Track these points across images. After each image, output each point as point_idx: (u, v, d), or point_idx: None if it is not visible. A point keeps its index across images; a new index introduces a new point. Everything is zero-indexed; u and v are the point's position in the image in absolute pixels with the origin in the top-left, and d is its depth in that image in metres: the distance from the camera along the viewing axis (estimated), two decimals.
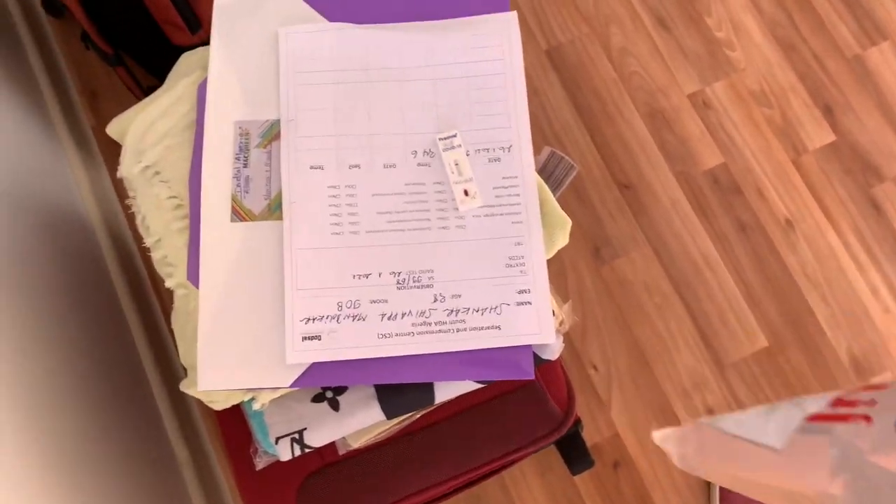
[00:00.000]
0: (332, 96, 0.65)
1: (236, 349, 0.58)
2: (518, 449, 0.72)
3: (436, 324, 0.60)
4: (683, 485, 1.08)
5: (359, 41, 0.66)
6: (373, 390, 0.61)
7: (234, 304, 0.59)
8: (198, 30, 0.94)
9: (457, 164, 0.63)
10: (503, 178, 0.64)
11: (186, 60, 0.69)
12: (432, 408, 0.65)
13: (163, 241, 0.63)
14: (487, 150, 0.64)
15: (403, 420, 0.65)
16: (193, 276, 0.61)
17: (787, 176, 1.22)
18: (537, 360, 0.62)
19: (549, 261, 0.63)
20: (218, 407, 0.60)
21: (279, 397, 0.61)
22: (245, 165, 0.63)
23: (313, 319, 0.59)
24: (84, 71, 1.19)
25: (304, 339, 0.58)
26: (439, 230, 0.62)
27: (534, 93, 1.24)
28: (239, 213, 0.62)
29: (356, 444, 0.64)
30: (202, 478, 0.98)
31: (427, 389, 0.62)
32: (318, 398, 0.61)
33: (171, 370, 1.04)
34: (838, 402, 0.47)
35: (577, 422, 0.79)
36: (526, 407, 0.72)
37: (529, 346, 0.61)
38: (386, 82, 0.65)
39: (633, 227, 1.19)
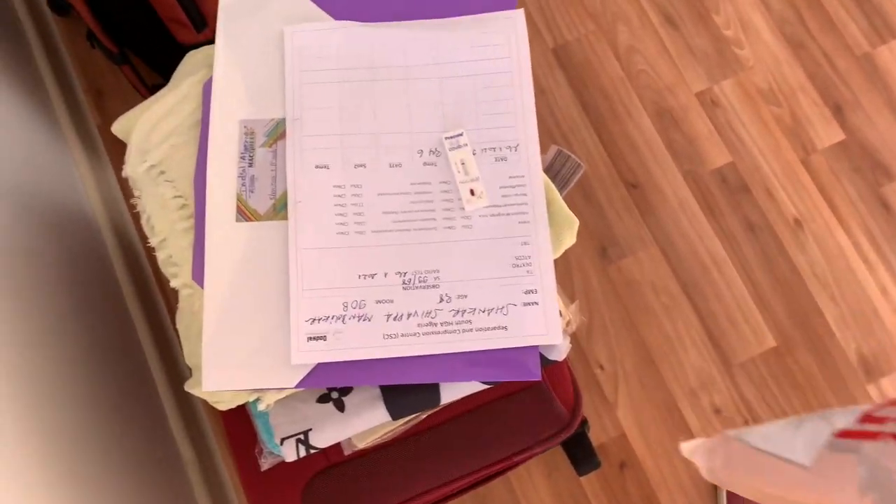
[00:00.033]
0: (338, 95, 0.64)
1: (241, 350, 0.58)
2: (524, 450, 0.71)
3: (442, 324, 0.59)
4: (690, 485, 1.07)
5: (364, 40, 0.66)
6: (378, 391, 0.61)
7: (239, 305, 0.59)
8: (203, 28, 0.93)
9: (463, 164, 0.63)
10: (510, 177, 0.63)
11: (191, 59, 0.68)
12: (438, 408, 0.65)
13: (168, 240, 0.63)
14: (494, 149, 0.64)
15: (409, 421, 0.65)
16: (198, 276, 0.60)
17: (795, 175, 1.21)
18: (544, 360, 0.62)
19: (555, 260, 0.62)
20: (223, 407, 0.60)
21: (284, 398, 0.61)
22: (250, 165, 0.63)
23: (319, 320, 0.58)
24: (90, 69, 1.19)
25: (310, 339, 0.58)
26: (445, 230, 0.61)
27: (540, 91, 1.24)
28: (244, 213, 0.61)
29: (361, 445, 0.64)
30: (207, 477, 0.98)
31: (433, 390, 0.61)
32: (323, 399, 0.61)
33: (177, 369, 1.04)
34: (866, 418, 0.46)
35: (584, 422, 0.79)
36: (532, 407, 0.72)
37: (536, 347, 0.60)
38: (392, 81, 0.65)
39: (641, 226, 1.18)
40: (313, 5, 0.67)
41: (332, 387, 0.61)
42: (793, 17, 1.29)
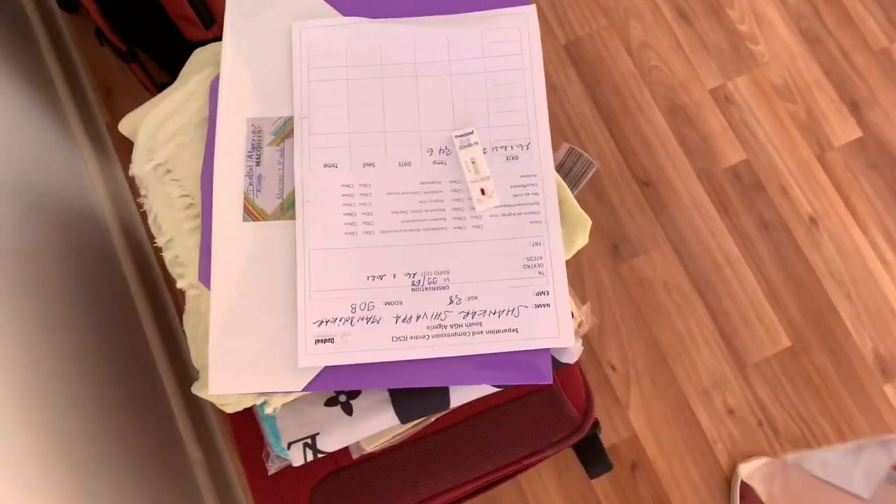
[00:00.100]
0: (347, 93, 0.63)
1: (248, 352, 0.57)
2: (534, 453, 0.70)
3: (451, 326, 0.58)
4: (702, 486, 1.06)
5: (374, 36, 0.65)
6: (387, 394, 0.60)
7: (246, 306, 0.58)
8: (212, 25, 0.93)
9: (473, 162, 0.62)
10: (521, 176, 0.62)
11: (199, 56, 0.68)
12: (447, 411, 0.64)
13: (174, 240, 0.62)
14: (505, 147, 0.62)
15: (418, 424, 0.64)
16: (205, 276, 0.59)
17: (811, 172, 1.20)
18: (556, 363, 0.61)
19: (566, 260, 0.61)
20: (230, 410, 0.59)
21: (292, 401, 0.60)
22: (257, 163, 0.62)
23: (326, 322, 0.57)
24: (98, 67, 1.19)
25: (317, 341, 0.57)
26: (455, 230, 0.60)
27: (552, 88, 1.22)
28: (251, 213, 0.61)
29: (370, 448, 0.63)
30: (215, 478, 0.97)
31: (442, 393, 0.60)
32: (331, 402, 0.60)
33: (185, 369, 1.04)
34: None
35: (595, 424, 0.78)
36: (543, 410, 0.71)
37: (548, 350, 0.59)
38: (401, 78, 0.64)
39: (653, 224, 1.16)
40: (322, 1, 0.66)
41: (339, 390, 0.60)
42: (809, 12, 1.27)
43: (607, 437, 1.07)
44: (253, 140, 0.62)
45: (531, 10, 0.66)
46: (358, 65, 0.64)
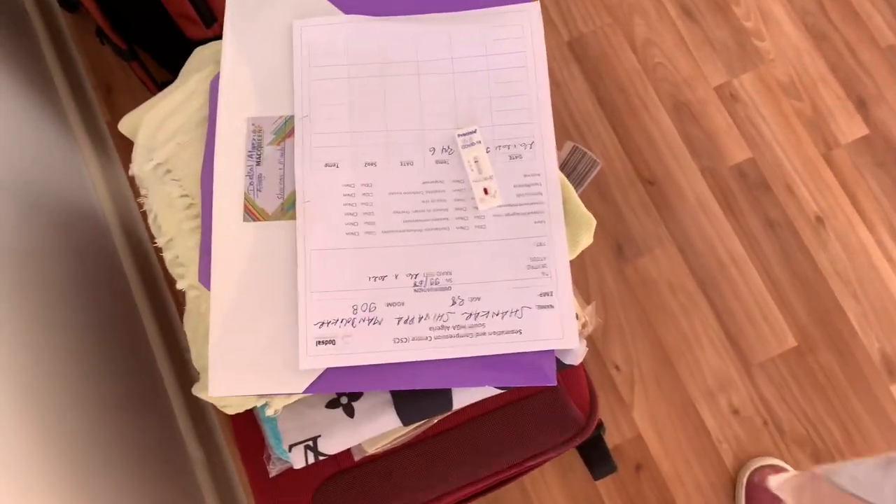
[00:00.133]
0: (348, 91, 0.63)
1: (248, 354, 0.57)
2: (538, 454, 0.70)
3: (454, 328, 0.57)
4: (707, 487, 1.05)
5: (375, 34, 0.64)
6: (389, 396, 0.59)
7: (246, 307, 0.58)
8: (213, 23, 0.92)
9: (476, 162, 0.61)
10: (524, 175, 0.61)
11: (199, 55, 0.67)
12: (450, 413, 0.63)
13: (174, 240, 0.62)
14: (508, 146, 0.62)
15: (420, 426, 0.63)
16: (205, 277, 0.59)
17: (817, 171, 1.19)
18: (560, 364, 0.60)
19: (570, 260, 0.60)
20: (231, 411, 0.59)
21: (293, 403, 0.59)
22: (258, 163, 0.61)
23: (327, 323, 0.57)
24: (99, 66, 1.18)
25: (318, 343, 0.56)
26: (458, 230, 0.60)
27: (555, 86, 1.21)
28: (251, 213, 0.60)
29: (372, 450, 0.62)
30: (216, 478, 0.97)
31: (445, 395, 0.60)
32: (332, 404, 0.60)
33: (186, 368, 1.04)
34: None
35: (600, 425, 0.77)
36: (546, 411, 0.70)
37: (552, 351, 0.58)
38: (403, 76, 0.63)
39: (657, 223, 1.16)
40: None
41: (341, 392, 0.59)
42: (815, 8, 1.26)
43: (611, 438, 1.07)
44: (253, 139, 0.62)
45: (534, 6, 0.65)
46: (359, 63, 0.63)
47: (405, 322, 0.57)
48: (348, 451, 0.65)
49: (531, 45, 0.64)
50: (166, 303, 1.08)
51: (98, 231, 0.99)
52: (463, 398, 0.61)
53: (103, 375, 0.81)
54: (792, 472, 0.56)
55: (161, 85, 1.07)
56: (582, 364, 0.73)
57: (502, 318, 0.58)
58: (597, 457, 0.81)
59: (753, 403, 1.09)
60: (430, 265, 0.59)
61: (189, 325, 0.61)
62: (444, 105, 0.62)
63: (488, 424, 0.69)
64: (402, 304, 0.58)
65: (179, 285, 0.61)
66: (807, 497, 0.53)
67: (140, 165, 0.63)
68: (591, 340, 1.10)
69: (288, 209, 0.60)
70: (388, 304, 0.58)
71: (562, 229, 0.60)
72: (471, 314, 0.58)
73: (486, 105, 0.63)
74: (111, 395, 0.81)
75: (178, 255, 0.61)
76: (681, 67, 1.23)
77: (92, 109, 1.15)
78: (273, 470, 0.62)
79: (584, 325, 0.62)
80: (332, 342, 0.56)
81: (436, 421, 0.65)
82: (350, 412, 0.59)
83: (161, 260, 1.10)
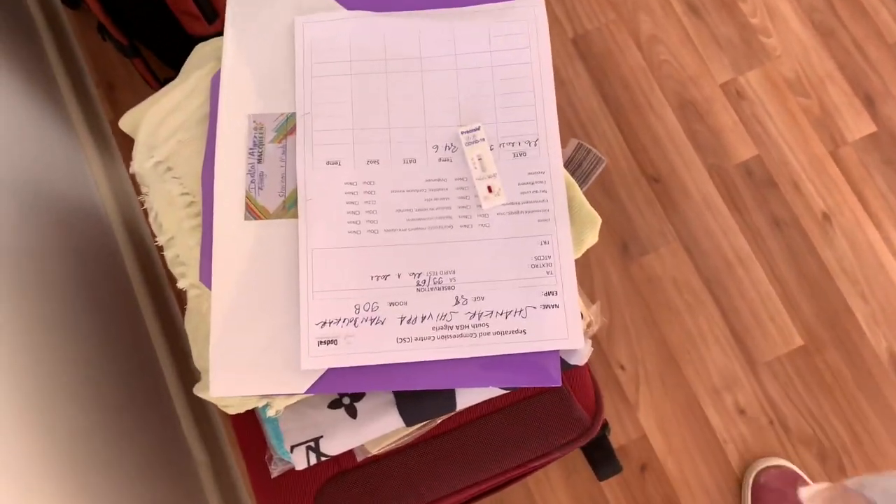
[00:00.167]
0: (350, 88, 0.62)
1: (249, 354, 0.56)
2: (542, 455, 0.69)
3: (457, 328, 0.57)
4: (713, 487, 1.04)
5: (378, 30, 0.63)
6: (391, 396, 0.59)
7: (247, 307, 0.57)
8: (215, 20, 0.92)
9: (480, 159, 0.60)
10: (529, 173, 0.60)
11: (200, 51, 0.66)
12: (453, 414, 0.63)
13: (175, 239, 0.61)
14: (513, 143, 0.61)
15: (423, 426, 0.62)
16: (206, 276, 0.58)
17: (824, 168, 1.17)
18: (564, 365, 0.59)
19: (575, 259, 0.60)
20: (232, 411, 0.58)
21: (294, 403, 0.59)
22: (259, 161, 0.61)
23: (329, 323, 0.56)
24: (101, 62, 1.18)
25: (320, 343, 0.56)
26: (461, 229, 0.59)
27: (559, 82, 1.20)
28: (253, 211, 0.59)
29: (375, 451, 0.61)
30: (220, 479, 0.97)
31: (448, 395, 0.59)
32: (334, 404, 0.59)
33: (189, 368, 1.03)
34: None
35: (605, 425, 0.76)
36: (551, 412, 0.69)
37: (556, 352, 0.57)
38: (406, 73, 0.62)
39: (663, 222, 1.15)
40: None
41: (343, 392, 0.59)
42: (822, 4, 1.25)
43: (616, 438, 1.06)
44: (254, 137, 0.61)
45: (539, 2, 0.64)
46: (361, 59, 0.62)
47: (408, 322, 0.57)
48: (351, 451, 0.64)
49: (536, 40, 0.63)
50: (169, 302, 1.07)
51: (100, 229, 0.99)
52: (466, 399, 0.60)
53: (105, 375, 0.80)
54: (823, 484, 0.56)
55: (163, 82, 1.07)
56: (587, 364, 0.72)
57: (506, 317, 0.57)
58: (602, 457, 0.80)
59: (759, 403, 1.08)
60: (433, 264, 0.58)
61: (190, 325, 0.60)
62: (447, 102, 0.62)
63: (492, 425, 0.69)
64: (405, 303, 0.57)
65: (180, 284, 0.61)
66: None
67: (140, 163, 0.63)
68: (595, 339, 1.10)
69: (289, 207, 0.59)
70: (391, 304, 0.57)
71: (567, 228, 0.59)
72: (474, 314, 0.57)
73: (491, 102, 0.62)
74: (113, 395, 0.80)
75: (179, 254, 0.61)
76: (686, 64, 1.22)
77: (94, 106, 1.14)
78: (275, 471, 0.61)
79: (589, 325, 0.61)
80: (334, 342, 0.56)
81: (439, 421, 0.64)
82: (352, 413, 0.59)
83: (163, 258, 1.10)
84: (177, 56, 0.86)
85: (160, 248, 0.63)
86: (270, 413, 0.57)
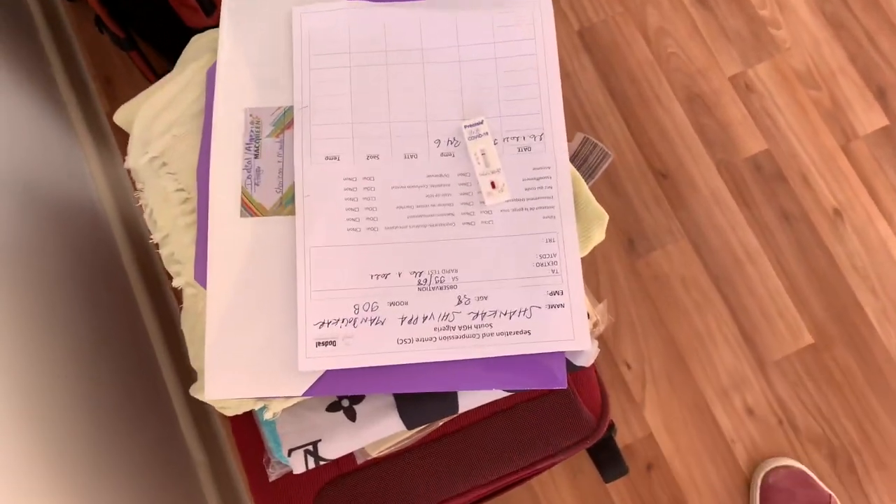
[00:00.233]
0: (349, 81, 0.60)
1: (245, 355, 0.55)
2: (547, 457, 0.67)
3: (460, 328, 0.55)
4: (721, 488, 1.03)
5: (378, 21, 0.61)
6: (391, 399, 0.57)
7: (244, 307, 0.55)
8: (213, 11, 0.90)
9: (483, 154, 0.58)
10: (534, 168, 0.59)
11: (196, 43, 0.65)
12: (455, 416, 0.61)
13: (170, 236, 0.60)
14: (517, 138, 0.59)
15: (425, 429, 0.61)
16: (201, 275, 0.57)
17: (835, 162, 1.15)
18: (570, 366, 0.58)
19: (581, 257, 0.58)
20: (229, 413, 0.57)
21: (292, 406, 0.57)
22: (256, 156, 0.59)
23: (328, 323, 0.55)
24: (98, 55, 1.16)
25: (318, 344, 0.54)
26: (464, 226, 0.57)
27: (565, 75, 1.18)
28: (249, 208, 0.58)
29: (375, 454, 0.60)
30: (219, 480, 0.95)
31: (450, 397, 0.58)
32: (333, 407, 0.57)
33: (187, 368, 1.02)
34: None
35: (611, 426, 0.75)
36: (556, 413, 0.68)
37: (562, 353, 0.56)
38: (407, 65, 0.61)
39: (670, 217, 1.13)
40: None
41: (342, 395, 0.57)
42: None
43: (622, 437, 1.04)
44: (251, 131, 0.60)
45: None
46: (361, 51, 0.61)
47: (409, 322, 0.55)
48: (350, 454, 0.63)
49: (541, 32, 0.61)
50: (167, 300, 1.06)
51: (97, 225, 0.97)
52: (469, 400, 0.59)
53: (103, 374, 0.79)
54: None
55: (161, 75, 1.05)
56: (593, 364, 0.70)
57: (510, 318, 0.56)
58: (608, 459, 0.79)
59: (768, 402, 1.06)
60: (435, 263, 0.56)
61: (186, 325, 0.59)
62: (449, 95, 0.60)
63: (495, 427, 0.67)
64: (406, 303, 0.55)
65: (175, 283, 0.59)
66: None
67: (135, 158, 0.61)
68: (601, 338, 1.08)
69: (287, 204, 0.58)
70: (391, 304, 0.55)
71: (573, 225, 0.57)
72: (477, 314, 0.55)
73: (494, 95, 0.60)
74: (111, 394, 0.79)
75: (174, 252, 0.59)
76: (694, 57, 1.20)
77: (91, 100, 1.13)
78: (273, 474, 0.60)
79: (595, 325, 0.59)
80: (333, 343, 0.54)
81: (441, 424, 0.62)
82: (351, 416, 0.57)
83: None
84: (174, 49, 0.84)
85: (156, 246, 0.61)
86: (268, 416, 0.55)
